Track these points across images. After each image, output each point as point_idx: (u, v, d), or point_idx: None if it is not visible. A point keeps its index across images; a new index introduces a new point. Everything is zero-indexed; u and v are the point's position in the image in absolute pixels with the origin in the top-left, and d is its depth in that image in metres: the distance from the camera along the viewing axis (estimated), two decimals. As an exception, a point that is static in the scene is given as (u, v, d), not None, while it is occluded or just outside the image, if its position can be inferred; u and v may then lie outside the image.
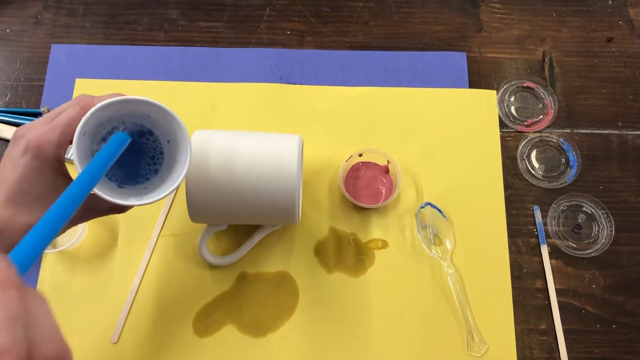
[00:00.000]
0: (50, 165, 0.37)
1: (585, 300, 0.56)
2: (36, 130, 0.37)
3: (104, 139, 0.41)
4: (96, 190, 0.36)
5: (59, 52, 0.65)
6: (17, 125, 0.60)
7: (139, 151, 0.43)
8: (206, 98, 0.63)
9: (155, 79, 0.64)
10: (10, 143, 0.38)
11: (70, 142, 0.37)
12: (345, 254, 0.57)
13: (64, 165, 0.38)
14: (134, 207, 0.57)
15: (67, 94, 0.62)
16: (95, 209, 0.41)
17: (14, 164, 0.36)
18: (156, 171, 0.43)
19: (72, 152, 0.35)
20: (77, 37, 0.66)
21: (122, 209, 0.42)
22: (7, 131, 0.60)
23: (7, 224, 0.35)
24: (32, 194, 0.36)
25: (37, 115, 0.61)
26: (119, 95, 0.38)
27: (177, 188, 0.40)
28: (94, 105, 0.36)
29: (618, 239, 0.58)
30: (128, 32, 0.66)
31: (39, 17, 0.67)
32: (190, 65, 0.64)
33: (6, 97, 0.63)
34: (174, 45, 0.66)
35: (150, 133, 0.42)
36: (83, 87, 0.63)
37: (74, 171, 0.35)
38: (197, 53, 0.65)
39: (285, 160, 0.48)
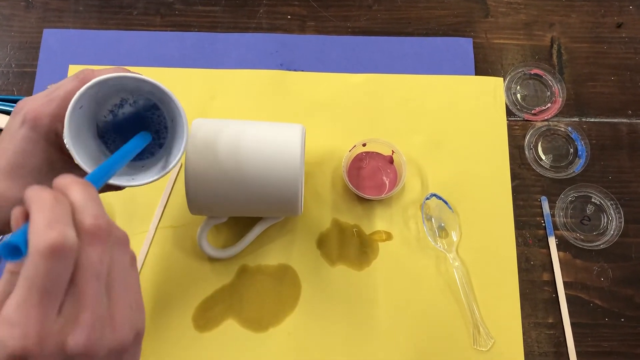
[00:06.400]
0: (46, 138, 0.37)
1: (594, 293, 0.55)
2: (35, 102, 0.37)
3: (111, 111, 0.41)
4: (86, 168, 0.37)
5: (52, 37, 0.62)
6: (7, 113, 0.58)
7: (145, 126, 0.42)
8: (204, 85, 0.61)
9: (151, 65, 0.62)
10: (10, 116, 0.38)
11: None
12: (349, 246, 0.55)
13: (61, 138, 0.37)
14: (132, 200, 0.56)
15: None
16: None
17: (12, 135, 0.36)
18: (161, 145, 0.43)
19: (65, 125, 0.35)
20: (70, 21, 0.64)
21: (116, 187, 0.41)
22: (1, 120, 0.58)
23: (1, 197, 0.35)
24: (28, 167, 0.36)
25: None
26: (119, 71, 0.38)
27: (169, 172, 0.39)
28: (92, 79, 0.37)
29: (627, 231, 0.57)
30: (123, 17, 0.64)
31: (29, 0, 0.64)
32: (187, 51, 0.62)
33: (-3, 84, 0.61)
34: (170, 31, 0.63)
35: (157, 108, 0.42)
36: (76, 73, 0.61)
37: None
38: (195, 38, 0.63)
39: (287, 151, 0.47)
